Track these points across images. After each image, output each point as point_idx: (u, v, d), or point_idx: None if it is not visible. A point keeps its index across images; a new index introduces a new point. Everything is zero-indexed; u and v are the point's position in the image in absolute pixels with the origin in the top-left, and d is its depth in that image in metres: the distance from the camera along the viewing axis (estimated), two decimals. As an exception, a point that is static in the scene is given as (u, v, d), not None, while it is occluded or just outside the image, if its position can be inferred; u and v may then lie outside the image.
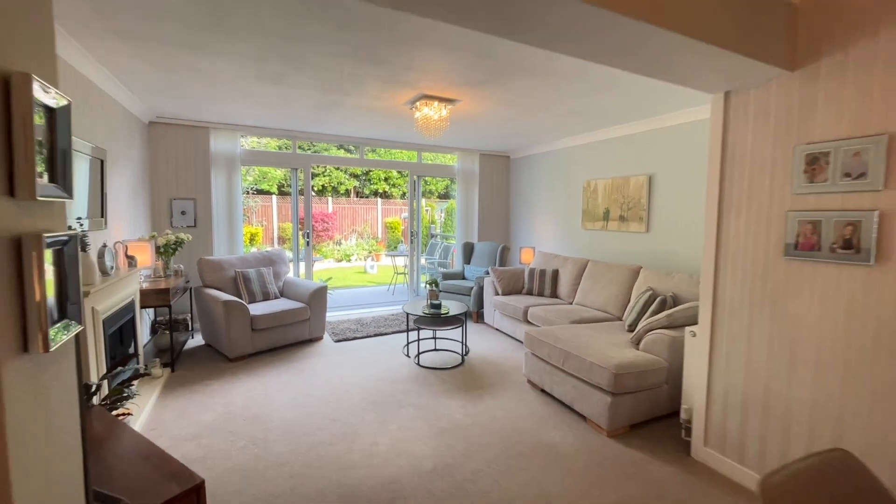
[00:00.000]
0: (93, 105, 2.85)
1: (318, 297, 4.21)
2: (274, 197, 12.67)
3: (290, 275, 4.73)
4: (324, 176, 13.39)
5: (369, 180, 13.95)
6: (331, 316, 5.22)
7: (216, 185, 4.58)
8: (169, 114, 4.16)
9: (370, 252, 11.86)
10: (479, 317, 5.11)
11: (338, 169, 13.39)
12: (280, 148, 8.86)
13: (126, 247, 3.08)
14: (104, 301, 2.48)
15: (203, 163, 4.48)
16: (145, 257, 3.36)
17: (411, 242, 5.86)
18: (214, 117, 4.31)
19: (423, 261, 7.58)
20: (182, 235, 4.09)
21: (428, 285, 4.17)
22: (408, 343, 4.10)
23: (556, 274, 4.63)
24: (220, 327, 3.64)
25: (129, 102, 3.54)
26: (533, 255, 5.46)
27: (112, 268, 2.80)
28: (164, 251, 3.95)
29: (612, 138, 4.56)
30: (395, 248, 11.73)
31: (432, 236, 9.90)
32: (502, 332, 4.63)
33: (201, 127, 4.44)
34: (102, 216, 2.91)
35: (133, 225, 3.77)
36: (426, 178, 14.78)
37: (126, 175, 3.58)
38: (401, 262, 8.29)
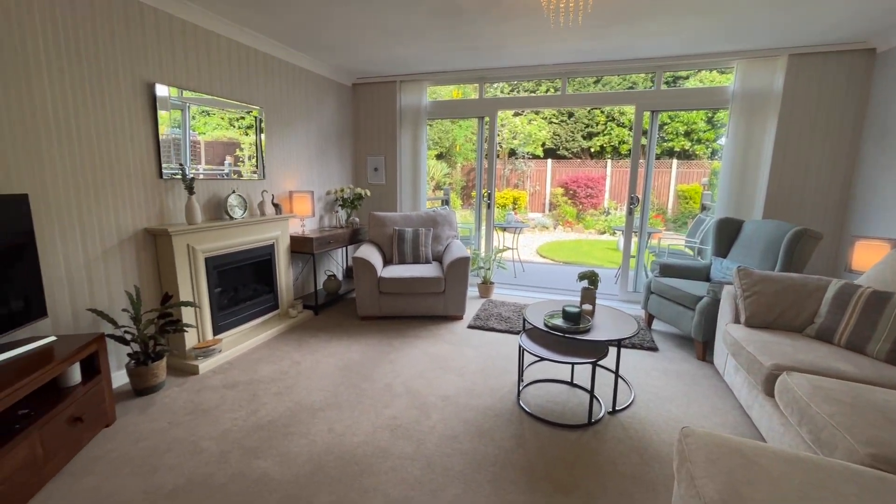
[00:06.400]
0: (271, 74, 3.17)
1: (455, 270, 3.47)
2: (549, 161, 12.15)
3: (458, 241, 4.17)
4: (603, 135, 11.63)
5: (664, 137, 11.03)
6: (512, 294, 4.35)
7: (402, 142, 4.51)
8: (363, 72, 4.31)
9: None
10: (706, 351, 2.89)
11: (619, 125, 11.29)
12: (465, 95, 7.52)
13: (272, 196, 3.39)
14: (210, 242, 2.77)
15: (391, 119, 4.47)
16: (304, 207, 3.66)
17: (629, 213, 3.98)
18: (401, 69, 4.14)
19: (682, 245, 5.22)
20: (360, 190, 4.28)
21: (581, 280, 2.60)
22: (521, 355, 2.43)
23: (919, 308, 1.88)
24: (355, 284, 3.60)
25: (318, 68, 3.83)
26: (885, 254, 2.52)
27: (246, 212, 3.12)
28: (344, 204, 4.26)
29: None
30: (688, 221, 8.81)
31: (703, 208, 6.69)
32: (734, 392, 2.38)
33: (390, 82, 4.39)
34: (259, 168, 3.28)
35: (323, 178, 4.20)
36: (685, 123, 10.08)
37: (309, 135, 3.95)
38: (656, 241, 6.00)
